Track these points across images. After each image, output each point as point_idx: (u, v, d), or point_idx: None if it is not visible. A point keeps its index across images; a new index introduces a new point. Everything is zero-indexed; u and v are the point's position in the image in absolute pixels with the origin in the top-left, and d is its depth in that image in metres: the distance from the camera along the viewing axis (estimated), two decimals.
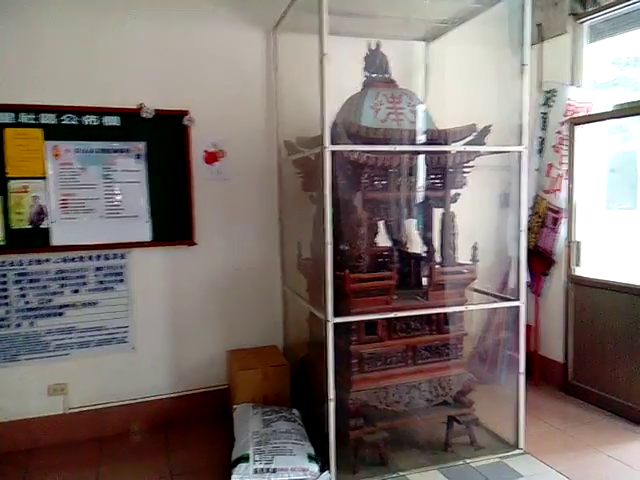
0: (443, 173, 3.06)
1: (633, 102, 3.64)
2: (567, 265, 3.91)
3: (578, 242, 3.84)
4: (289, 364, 3.53)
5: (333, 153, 2.68)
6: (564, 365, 3.98)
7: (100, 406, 3.49)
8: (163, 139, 3.46)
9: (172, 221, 3.52)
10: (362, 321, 2.89)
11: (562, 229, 3.95)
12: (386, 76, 3.21)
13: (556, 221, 3.98)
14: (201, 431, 3.50)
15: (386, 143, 2.85)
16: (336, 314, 2.74)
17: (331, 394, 2.75)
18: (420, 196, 3.10)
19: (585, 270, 3.83)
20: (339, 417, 2.78)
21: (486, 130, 3.02)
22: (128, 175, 3.41)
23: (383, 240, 3.40)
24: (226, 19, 3.59)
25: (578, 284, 3.85)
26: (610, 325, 3.60)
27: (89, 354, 3.47)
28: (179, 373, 3.68)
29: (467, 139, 3.05)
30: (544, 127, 4.01)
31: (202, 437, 3.42)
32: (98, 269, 3.44)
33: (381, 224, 3.28)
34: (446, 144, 3.00)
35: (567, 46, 3.92)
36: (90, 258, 3.42)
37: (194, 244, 3.58)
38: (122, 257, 3.47)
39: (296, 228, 3.59)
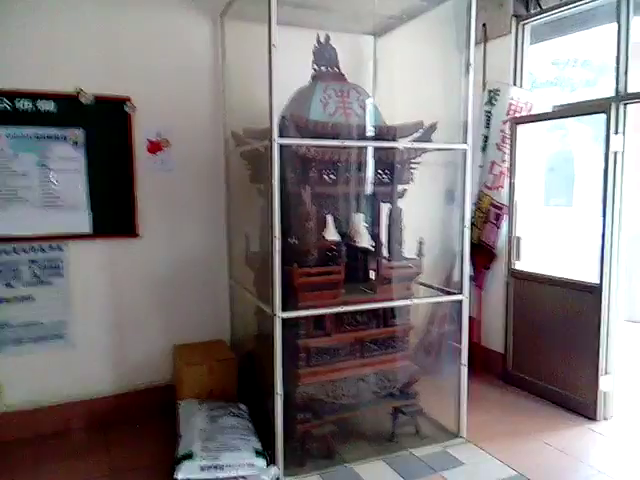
0: (391, 169, 3.10)
1: (571, 103, 3.80)
2: (508, 259, 4.05)
3: (518, 237, 3.99)
4: (236, 358, 3.49)
5: (281, 147, 2.65)
6: (504, 356, 4.14)
7: (38, 405, 3.34)
8: (103, 126, 3.31)
9: (114, 212, 3.39)
10: (310, 315, 2.88)
11: (504, 224, 4.08)
12: (335, 70, 3.20)
13: (499, 217, 4.12)
14: (145, 429, 3.40)
15: (334, 137, 2.84)
16: (284, 308, 2.72)
17: (279, 388, 2.74)
18: (368, 191, 3.12)
19: (524, 264, 3.98)
20: (287, 411, 2.78)
21: (433, 127, 3.07)
22: (65, 163, 3.24)
23: (331, 234, 3.40)
24: (171, 4, 3.47)
25: (518, 278, 4.00)
26: (546, 317, 3.77)
27: (25, 351, 3.30)
28: (122, 370, 3.56)
29: (414, 135, 3.09)
30: (488, 125, 4.12)
31: (146, 435, 3.33)
32: (33, 262, 3.26)
33: (329, 218, 3.27)
34: (394, 140, 3.03)
35: (510, 47, 4.04)
36: (24, 250, 3.24)
37: (137, 236, 3.46)
38: (59, 249, 3.31)
39: (244, 221, 3.54)
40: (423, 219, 3.56)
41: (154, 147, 3.47)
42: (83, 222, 3.31)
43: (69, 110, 3.21)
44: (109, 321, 3.51)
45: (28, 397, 3.32)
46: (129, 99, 3.35)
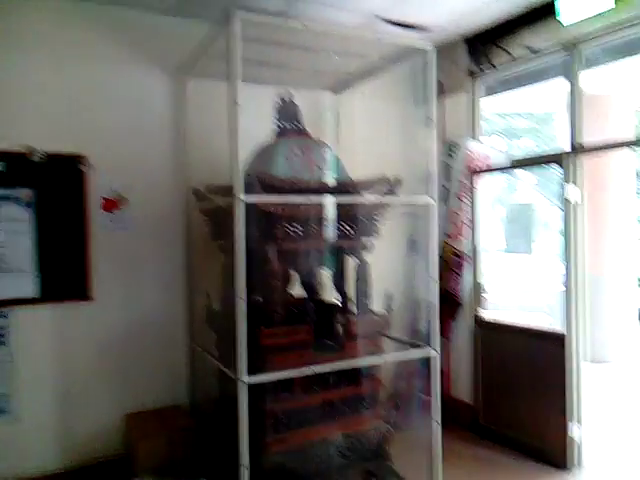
0: (356, 223, 3.06)
1: (528, 157, 3.93)
2: (473, 308, 4.05)
3: (482, 285, 4.00)
4: (196, 426, 3.28)
5: (246, 203, 2.57)
6: (473, 407, 4.07)
7: None
8: (56, 185, 3.17)
9: (65, 275, 3.20)
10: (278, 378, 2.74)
11: (466, 273, 4.10)
12: (298, 126, 3.19)
13: (460, 265, 4.14)
14: None
15: (301, 194, 2.80)
16: (249, 372, 2.57)
17: (245, 460, 2.56)
18: (334, 245, 3.07)
19: (489, 313, 3.99)
20: None
21: (397, 181, 3.07)
22: (12, 224, 3.07)
23: (297, 290, 3.31)
24: (129, 61, 3.43)
25: (483, 327, 3.99)
26: (514, 366, 3.75)
27: None
28: (70, 444, 3.29)
29: (380, 190, 3.08)
30: (448, 177, 4.20)
31: None
32: None
33: (295, 274, 3.19)
34: (360, 195, 3.01)
35: (465, 102, 4.17)
36: None
37: (90, 299, 3.27)
38: (3, 316, 3.07)
39: (205, 279, 3.42)
40: (386, 271, 3.54)
41: (110, 205, 3.33)
42: (29, 286, 3.10)
43: (19, 169, 3.07)
44: (57, 390, 3.25)
45: None
46: (84, 157, 3.23)
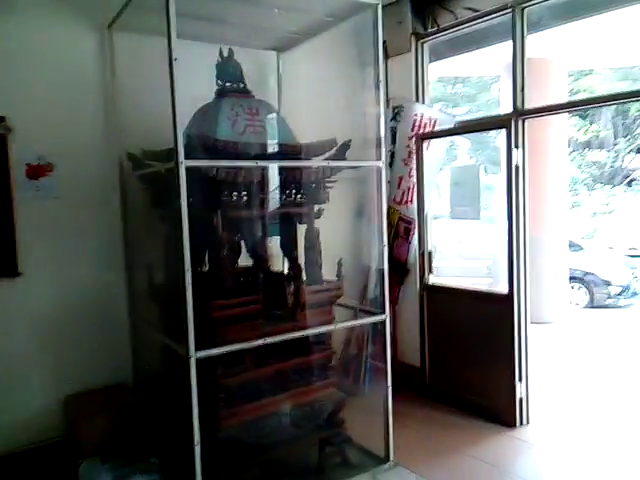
0: (306, 188, 2.96)
1: (473, 120, 3.93)
2: (420, 274, 4.07)
3: (430, 251, 4.03)
4: (142, 403, 3.13)
5: (188, 169, 2.40)
6: (422, 370, 4.14)
7: None
8: None
9: None
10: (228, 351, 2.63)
11: (414, 239, 4.11)
12: (241, 86, 3.01)
13: (408, 231, 4.14)
14: None
15: (246, 158, 2.65)
16: (198, 346, 2.45)
17: (196, 437, 2.46)
18: (283, 212, 2.96)
19: (437, 278, 4.03)
20: (206, 459, 2.50)
21: (346, 145, 2.98)
22: None
23: (244, 260, 3.18)
24: (51, 14, 3.10)
25: (431, 291, 4.03)
26: (461, 329, 3.82)
27: None
28: (4, 429, 3.06)
29: (328, 154, 2.98)
30: (393, 141, 4.14)
31: None
32: None
33: (242, 243, 3.06)
34: (308, 159, 2.90)
35: (411, 64, 4.10)
36: None
37: (18, 275, 3.00)
38: None
39: (145, 250, 3.21)
40: (334, 237, 3.46)
41: (35, 172, 3.03)
42: None
43: None
44: None
45: None
46: (2, 118, 2.91)
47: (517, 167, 3.38)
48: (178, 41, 2.37)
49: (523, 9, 3.41)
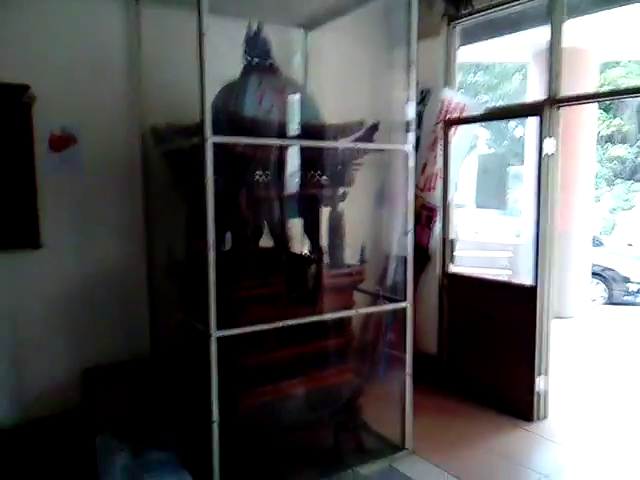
0: (331, 170, 2.89)
1: (505, 106, 3.82)
2: (442, 262, 4.01)
3: (452, 240, 3.95)
4: (160, 380, 3.12)
5: (215, 145, 2.35)
6: (439, 359, 4.09)
7: None
8: None
9: (10, 219, 2.89)
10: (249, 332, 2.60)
11: (437, 226, 4.03)
12: (269, 62, 2.93)
13: (431, 219, 4.06)
14: (55, 467, 2.92)
15: (273, 136, 2.59)
16: (220, 325, 2.42)
17: (215, 415, 2.44)
18: (307, 194, 2.90)
19: (458, 267, 3.96)
20: (223, 438, 2.48)
21: (374, 127, 2.90)
22: None
23: (266, 241, 3.14)
24: None
25: (452, 280, 3.97)
26: (481, 319, 3.75)
27: None
28: (24, 399, 3.10)
29: (355, 135, 2.91)
30: (419, 126, 4.05)
31: (57, 475, 2.85)
32: None
33: (266, 224, 3.01)
34: (335, 139, 2.83)
35: (440, 47, 3.99)
36: None
37: (40, 247, 2.99)
38: None
39: (166, 227, 3.18)
40: (356, 221, 3.40)
41: (59, 143, 3.01)
42: None
43: None
44: (7, 345, 3.02)
45: None
46: (28, 87, 2.87)
47: (548, 156, 3.28)
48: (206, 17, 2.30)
49: None
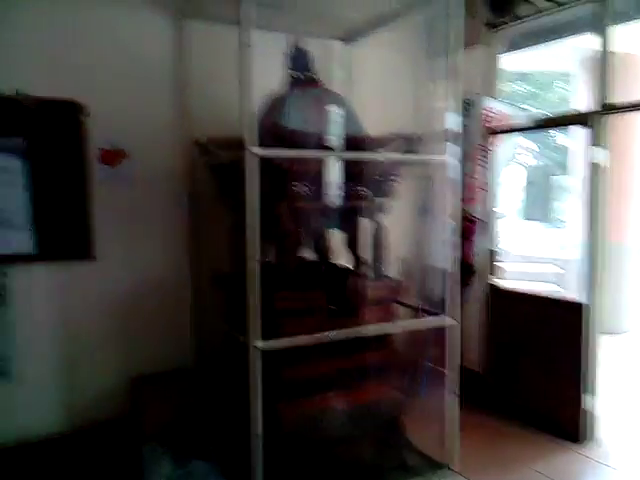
0: (373, 182, 2.88)
1: (551, 115, 3.72)
2: (486, 276, 3.91)
3: (497, 253, 3.86)
4: (203, 390, 3.15)
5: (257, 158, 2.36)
6: (483, 376, 3.98)
7: None
8: (50, 134, 2.93)
9: (65, 231, 3.00)
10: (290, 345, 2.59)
11: (479, 240, 3.95)
12: (311, 75, 2.96)
13: (474, 231, 3.98)
14: (101, 474, 2.98)
15: (314, 148, 2.60)
16: (262, 337, 2.42)
17: (257, 429, 2.43)
18: (348, 206, 2.89)
19: (504, 281, 3.86)
20: (266, 449, 2.47)
21: (417, 138, 2.87)
22: (2, 175, 2.83)
23: (309, 253, 3.14)
24: (125, 2, 3.14)
25: (496, 295, 3.86)
26: (528, 335, 3.64)
27: None
28: (74, 406, 3.17)
29: (397, 147, 2.88)
30: (462, 136, 3.97)
31: None
32: None
33: (307, 236, 3.01)
34: (376, 151, 2.81)
35: (482, 56, 3.93)
36: None
37: (92, 258, 3.09)
38: (3, 274, 2.88)
39: (211, 238, 3.23)
40: (397, 234, 3.37)
41: (109, 157, 3.10)
42: (24, 241, 2.89)
43: (8, 115, 2.81)
44: (58, 352, 3.11)
45: None
46: (81, 104, 2.98)
47: (598, 166, 3.17)
48: (249, 30, 2.34)
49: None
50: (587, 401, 3.31)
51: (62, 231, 2.99)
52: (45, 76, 2.92)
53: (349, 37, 3.84)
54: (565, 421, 3.40)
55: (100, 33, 3.08)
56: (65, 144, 2.96)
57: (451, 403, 2.99)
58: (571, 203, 4.02)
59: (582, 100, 5.73)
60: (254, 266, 2.36)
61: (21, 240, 2.89)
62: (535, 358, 3.58)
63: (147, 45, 3.24)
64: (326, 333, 2.59)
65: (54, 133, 2.93)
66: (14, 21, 2.86)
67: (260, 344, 2.40)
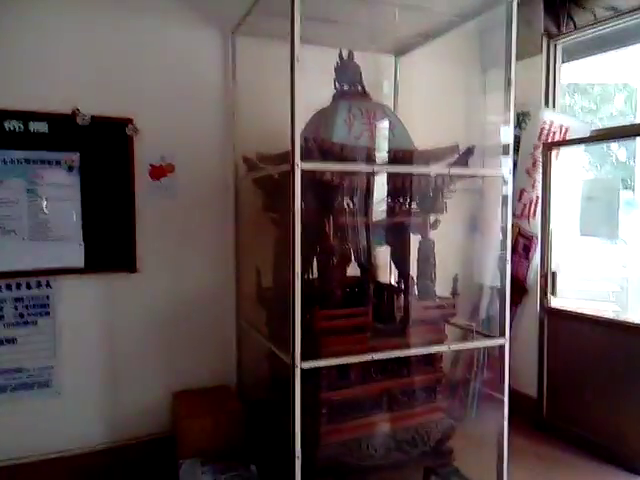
0: (423, 197, 2.78)
1: (613, 127, 3.53)
2: (542, 295, 3.71)
3: (554, 271, 3.65)
4: (244, 408, 3.10)
5: (303, 172, 2.32)
6: (538, 401, 3.75)
7: (18, 460, 2.93)
8: (101, 150, 3.00)
9: (110, 245, 3.05)
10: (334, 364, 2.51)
11: (535, 257, 3.76)
12: (359, 88, 2.90)
13: (528, 248, 3.80)
14: None
15: (362, 162, 2.53)
16: (304, 357, 2.35)
17: (297, 451, 2.36)
18: (397, 221, 2.80)
19: (560, 301, 3.64)
20: (304, 472, 2.39)
21: (470, 151, 2.75)
22: (57, 190, 2.92)
23: (352, 270, 3.06)
24: (178, 18, 3.20)
25: (553, 315, 3.65)
26: (588, 360, 3.40)
27: (6, 399, 2.92)
28: (115, 420, 3.17)
29: (449, 160, 2.78)
30: (516, 150, 3.82)
31: None
32: (17, 300, 2.92)
33: (352, 252, 2.93)
34: (427, 165, 2.72)
35: (541, 67, 3.77)
36: (8, 287, 2.88)
37: (136, 271, 3.12)
38: (48, 286, 2.95)
39: (255, 254, 3.20)
40: (447, 251, 3.23)
41: (157, 172, 3.14)
42: (75, 255, 2.96)
43: (63, 132, 2.91)
44: (101, 365, 3.14)
45: (8, 451, 2.92)
46: (131, 120, 3.05)
47: None
48: (298, 45, 2.31)
49: None
50: None
51: (109, 244, 3.04)
52: (96, 93, 2.99)
53: (400, 50, 3.77)
54: (632, 453, 3.14)
55: (151, 51, 3.14)
56: (115, 160, 3.03)
57: (502, 429, 2.81)
58: (635, 219, 3.77)
59: None
60: (297, 282, 2.30)
61: (72, 254, 2.95)
62: (597, 383, 3.34)
63: (197, 62, 3.27)
64: (370, 354, 2.50)
65: (105, 149, 3.00)
66: (68, 37, 2.95)
67: (302, 365, 2.33)
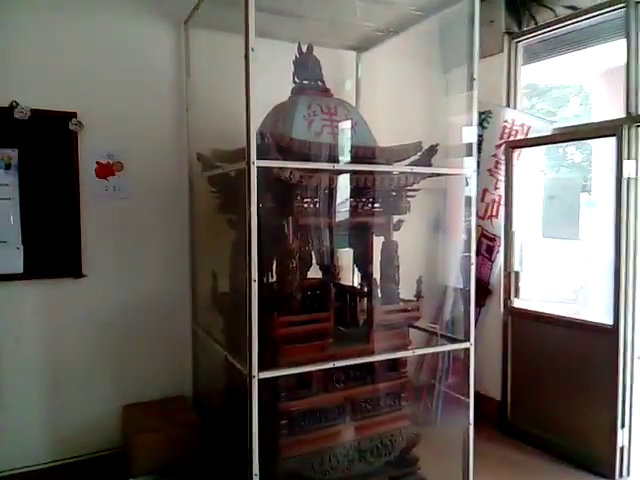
0: (386, 196, 2.68)
1: (576, 126, 3.52)
2: (505, 296, 3.67)
3: (517, 272, 3.62)
4: (201, 420, 2.94)
5: (259, 170, 2.18)
6: (502, 403, 3.71)
7: None
8: (42, 146, 2.79)
9: (53, 248, 2.84)
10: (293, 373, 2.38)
11: (498, 258, 3.72)
12: (319, 83, 2.78)
13: (491, 249, 3.76)
14: None
15: (323, 160, 2.41)
16: (262, 366, 2.21)
17: (255, 468, 2.21)
18: (359, 222, 2.69)
19: (523, 302, 3.61)
20: None
21: (433, 149, 2.68)
22: None
23: (314, 272, 2.94)
24: (126, 10, 3.02)
25: (516, 316, 3.62)
26: (551, 360, 3.38)
27: None
28: (60, 436, 2.97)
29: (412, 159, 2.69)
30: (479, 149, 3.78)
31: None
32: None
33: (313, 254, 2.81)
34: (389, 164, 2.62)
35: (502, 66, 3.74)
36: None
37: (82, 276, 2.91)
38: None
39: (212, 257, 3.04)
40: (409, 252, 3.15)
41: (104, 171, 2.94)
42: (13, 260, 2.73)
43: (1, 127, 2.68)
44: (45, 377, 2.94)
45: None
46: (74, 114, 2.84)
47: (628, 180, 2.94)
48: (254, 32, 2.17)
49: (637, 4, 3.00)
50: (621, 434, 3.04)
51: (50, 248, 2.83)
52: (38, 86, 2.79)
53: (361, 46, 3.68)
54: (596, 455, 3.12)
55: (100, 42, 2.95)
56: (57, 157, 2.83)
57: (466, 434, 2.73)
58: (594, 218, 3.78)
59: (604, 113, 5.50)
60: (254, 287, 2.16)
61: (9, 259, 2.73)
62: (560, 385, 3.31)
63: (148, 54, 3.10)
64: (332, 362, 2.38)
65: (46, 145, 2.80)
66: (9, 28, 2.73)
67: (259, 375, 2.18)
